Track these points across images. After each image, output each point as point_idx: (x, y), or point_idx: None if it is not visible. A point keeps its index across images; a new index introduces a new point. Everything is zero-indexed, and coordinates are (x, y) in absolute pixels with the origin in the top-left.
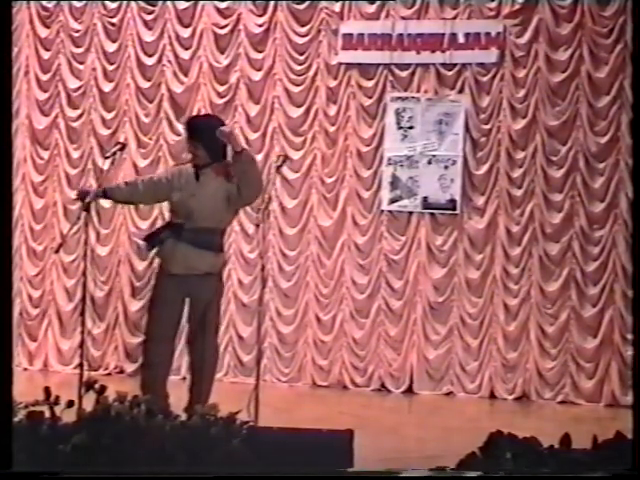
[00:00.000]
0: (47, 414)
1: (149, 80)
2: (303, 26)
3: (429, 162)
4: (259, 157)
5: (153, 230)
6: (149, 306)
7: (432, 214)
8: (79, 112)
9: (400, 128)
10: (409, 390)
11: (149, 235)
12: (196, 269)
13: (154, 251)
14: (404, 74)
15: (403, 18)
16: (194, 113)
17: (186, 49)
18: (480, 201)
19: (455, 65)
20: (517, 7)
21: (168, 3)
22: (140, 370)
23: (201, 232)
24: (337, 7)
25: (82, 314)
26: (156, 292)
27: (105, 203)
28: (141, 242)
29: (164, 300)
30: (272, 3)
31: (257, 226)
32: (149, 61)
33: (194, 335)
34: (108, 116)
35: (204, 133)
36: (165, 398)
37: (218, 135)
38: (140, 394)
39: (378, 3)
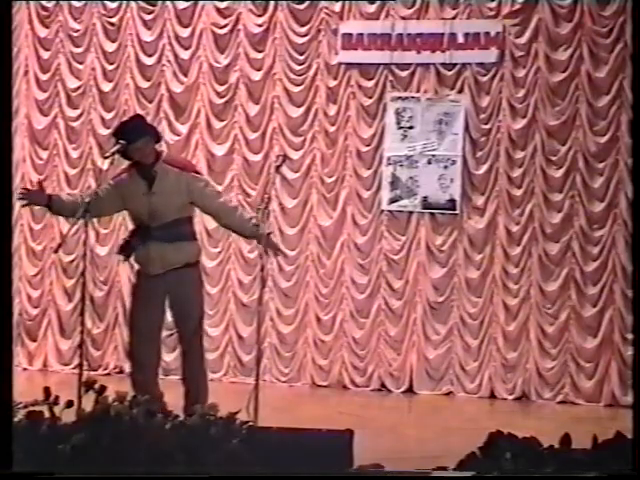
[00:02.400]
0: (46, 414)
1: (149, 80)
2: (303, 26)
3: (429, 162)
4: (258, 157)
5: (123, 240)
6: (131, 310)
7: (432, 214)
8: (78, 112)
9: (400, 128)
10: (409, 390)
11: (121, 246)
12: (174, 263)
13: (132, 259)
14: (404, 74)
15: (403, 18)
16: (194, 113)
17: (186, 49)
18: (480, 201)
19: (455, 65)
20: (517, 7)
21: (167, 3)
22: (129, 374)
23: (169, 226)
24: (337, 7)
25: (82, 314)
26: (137, 296)
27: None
28: (117, 255)
29: (146, 302)
30: (272, 3)
31: (257, 226)
32: (149, 61)
33: (178, 328)
34: (107, 116)
35: (148, 127)
36: (160, 398)
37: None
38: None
39: (378, 3)
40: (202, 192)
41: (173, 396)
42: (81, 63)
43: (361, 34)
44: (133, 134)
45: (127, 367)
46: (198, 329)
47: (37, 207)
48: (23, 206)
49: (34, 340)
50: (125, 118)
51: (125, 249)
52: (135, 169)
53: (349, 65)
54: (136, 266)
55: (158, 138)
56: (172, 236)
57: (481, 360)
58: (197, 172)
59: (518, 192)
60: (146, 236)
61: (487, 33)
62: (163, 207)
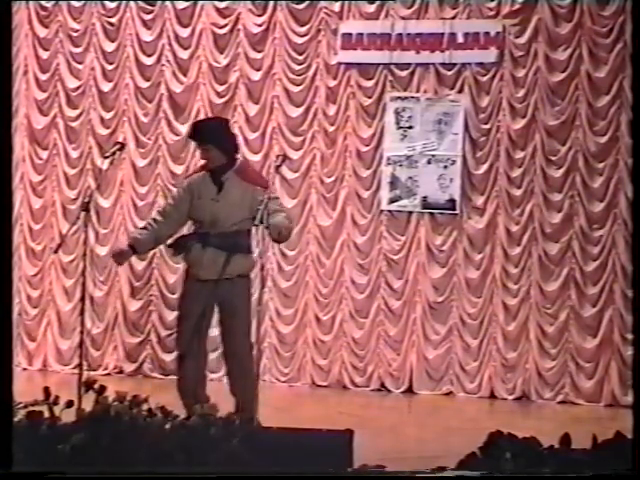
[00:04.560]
0: (46, 414)
1: (148, 80)
2: (302, 26)
3: (428, 162)
4: (258, 157)
5: (178, 237)
6: (179, 313)
7: (431, 214)
8: (78, 112)
9: (399, 128)
10: (409, 390)
11: (174, 242)
12: (227, 273)
13: (180, 257)
14: (403, 74)
15: (402, 18)
16: (193, 113)
17: (185, 49)
18: (479, 201)
19: (454, 65)
20: (516, 7)
21: (167, 3)
22: (177, 378)
23: (228, 236)
24: (336, 7)
25: (81, 314)
26: (185, 298)
27: (104, 203)
28: (166, 248)
29: (194, 305)
30: (271, 3)
31: (257, 226)
32: (148, 61)
33: (226, 338)
34: (107, 116)
35: (215, 134)
36: (207, 401)
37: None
38: (179, 400)
39: (377, 3)
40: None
41: (172, 396)
42: (80, 63)
43: (361, 34)
44: (198, 135)
45: (127, 367)
46: (247, 340)
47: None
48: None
49: (34, 340)
50: (206, 117)
51: (178, 246)
52: (208, 171)
53: (348, 65)
54: (183, 265)
55: (224, 150)
56: (230, 246)
57: (481, 360)
58: (266, 186)
59: (518, 192)
60: (204, 240)
61: (487, 33)
62: (225, 217)
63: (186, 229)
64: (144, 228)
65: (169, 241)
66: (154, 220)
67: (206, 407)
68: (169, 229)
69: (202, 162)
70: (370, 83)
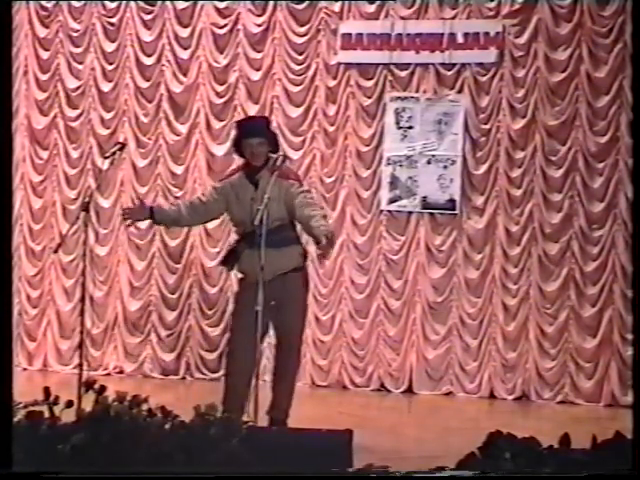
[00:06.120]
0: (46, 414)
1: (148, 80)
2: (302, 26)
3: (428, 162)
4: None
5: (226, 251)
6: (234, 318)
7: (431, 214)
8: (78, 112)
9: (399, 128)
10: (408, 390)
11: (225, 257)
12: (282, 268)
13: (235, 269)
14: (403, 74)
15: (402, 18)
16: (193, 113)
17: (185, 49)
18: (479, 201)
19: (454, 65)
20: (516, 7)
21: (167, 3)
22: (224, 381)
23: (274, 232)
24: (336, 7)
25: (81, 314)
26: (241, 304)
27: (104, 203)
28: (219, 267)
29: (250, 310)
30: (271, 3)
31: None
32: (148, 61)
33: (281, 336)
34: (107, 116)
35: (269, 131)
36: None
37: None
38: (222, 403)
39: (377, 3)
40: (295, 200)
41: (172, 396)
42: (81, 63)
43: (360, 34)
44: (251, 130)
45: (127, 367)
46: (299, 339)
47: (142, 222)
48: (128, 226)
49: (34, 340)
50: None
51: (229, 259)
52: (243, 172)
53: (348, 65)
54: (239, 275)
55: (273, 146)
56: (278, 242)
57: (480, 360)
58: (299, 180)
59: (518, 192)
60: (250, 243)
61: (486, 33)
62: (265, 215)
63: (220, 229)
64: (172, 204)
65: (219, 258)
66: (183, 204)
67: (206, 407)
68: (191, 220)
69: (241, 161)
70: (370, 83)
